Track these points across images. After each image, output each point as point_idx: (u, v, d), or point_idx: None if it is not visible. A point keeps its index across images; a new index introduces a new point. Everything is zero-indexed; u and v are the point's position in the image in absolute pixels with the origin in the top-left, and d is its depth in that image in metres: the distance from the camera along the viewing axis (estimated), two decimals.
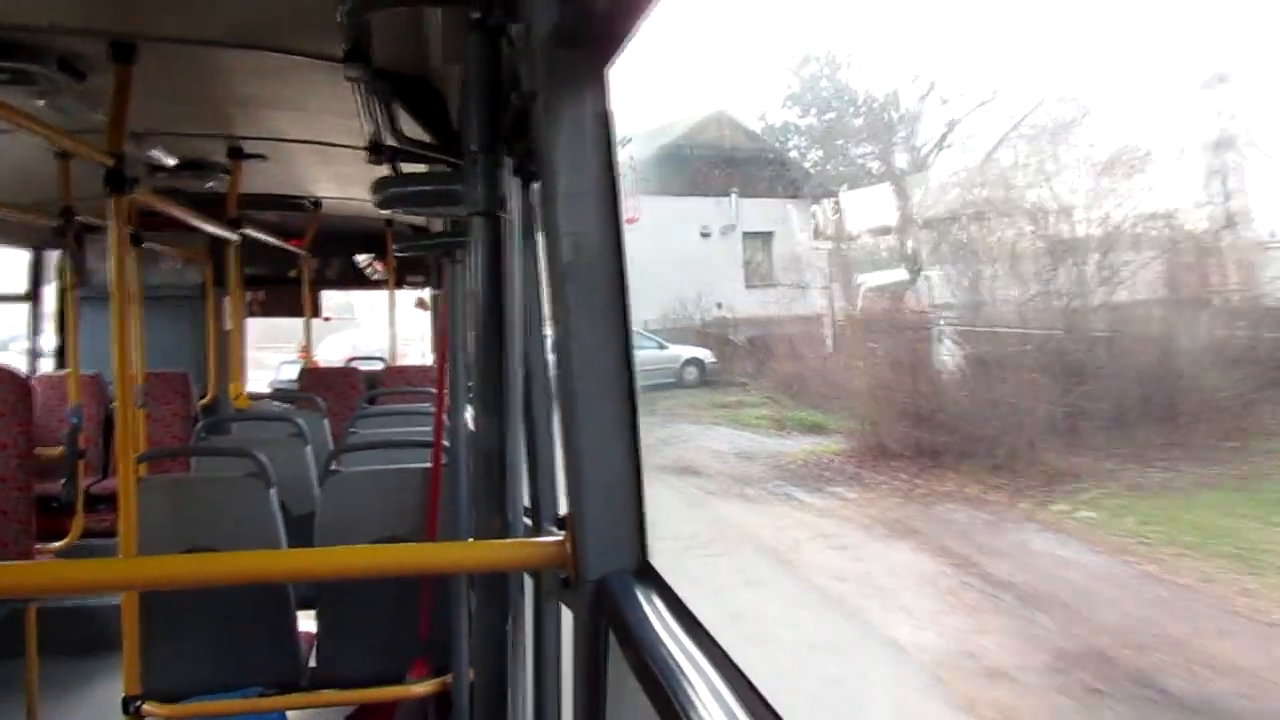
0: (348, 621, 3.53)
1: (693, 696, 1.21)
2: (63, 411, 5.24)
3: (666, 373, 18.17)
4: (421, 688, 3.45)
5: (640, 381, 1.63)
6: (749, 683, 1.23)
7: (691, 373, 18.90)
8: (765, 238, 22.70)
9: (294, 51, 2.81)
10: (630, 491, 1.64)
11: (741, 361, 18.79)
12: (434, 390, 5.28)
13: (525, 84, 1.61)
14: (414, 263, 7.47)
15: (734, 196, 22.28)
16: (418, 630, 3.60)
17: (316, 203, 5.97)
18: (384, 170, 3.16)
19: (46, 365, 6.74)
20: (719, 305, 20.82)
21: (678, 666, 1.29)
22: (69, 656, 4.66)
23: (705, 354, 19.28)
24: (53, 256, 6.56)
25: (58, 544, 4.51)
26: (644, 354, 16.45)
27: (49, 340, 6.82)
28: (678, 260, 19.95)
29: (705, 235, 22.11)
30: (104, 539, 4.86)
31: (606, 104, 1.56)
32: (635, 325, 1.60)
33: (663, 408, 16.45)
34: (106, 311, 3.33)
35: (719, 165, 22.50)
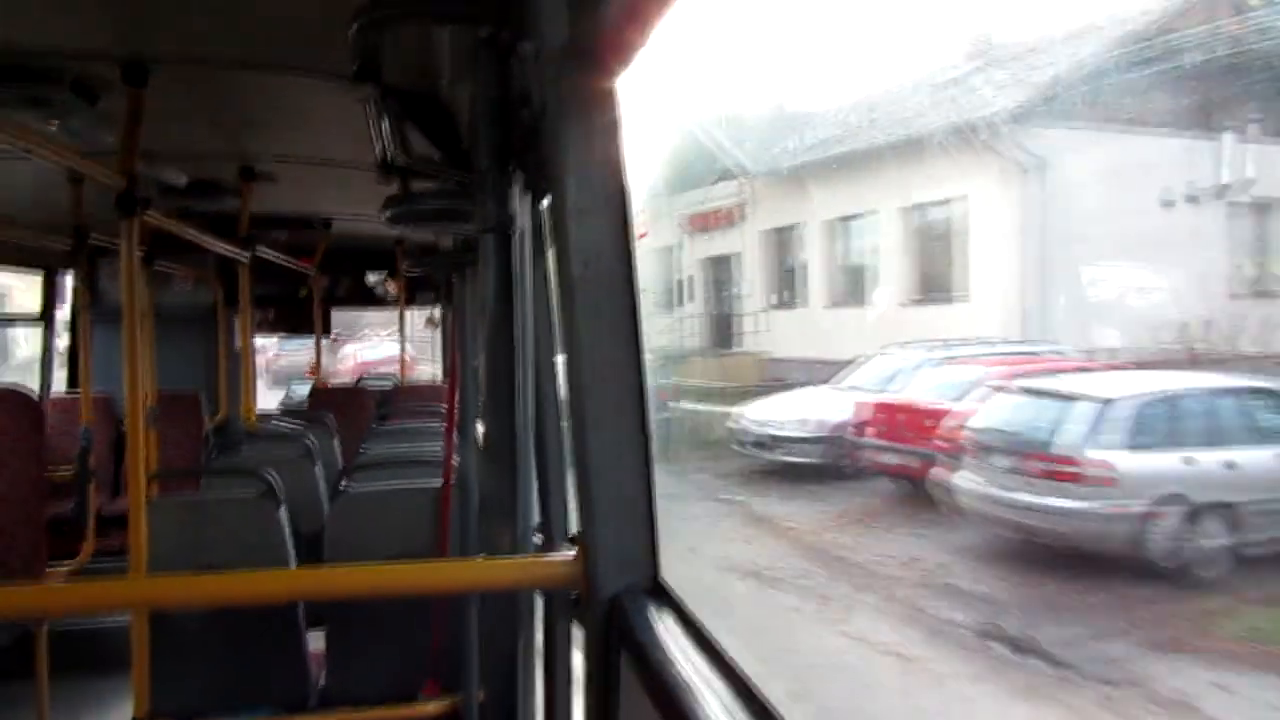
0: (357, 640, 3.52)
1: (706, 716, 1.20)
2: (74, 432, 5.26)
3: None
4: (432, 707, 3.44)
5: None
6: (763, 703, 1.22)
7: None
8: None
9: (304, 71, 2.83)
10: (642, 509, 1.62)
11: None
12: (443, 408, 5.28)
13: (535, 100, 1.61)
14: (424, 281, 7.49)
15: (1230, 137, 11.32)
16: (428, 649, 3.58)
17: (326, 222, 6.00)
18: (394, 189, 3.17)
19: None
20: None
21: (691, 685, 1.28)
22: (79, 677, 4.64)
23: None
24: (66, 278, 6.59)
25: (69, 565, 4.51)
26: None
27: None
28: (1124, 242, 10.94)
29: (1168, 204, 11.67)
30: (115, 559, 4.86)
31: (617, 118, 1.56)
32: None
33: None
34: (118, 332, 3.34)
35: (1205, 80, 10.81)
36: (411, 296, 7.78)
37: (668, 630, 1.45)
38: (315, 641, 3.55)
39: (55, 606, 1.97)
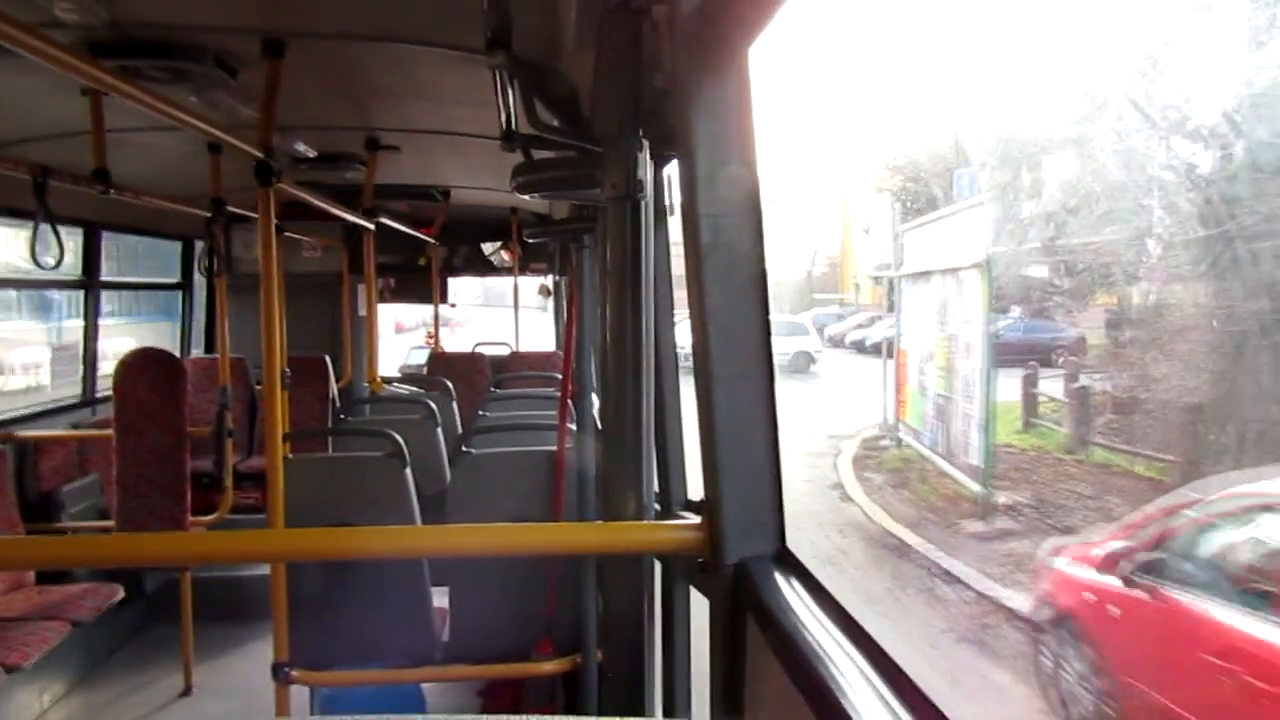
0: (478, 599, 3.62)
1: (840, 681, 1.20)
2: (211, 393, 5.54)
3: None
4: (550, 665, 3.52)
5: None
6: (899, 668, 1.21)
7: None
8: None
9: (434, 43, 2.89)
10: (769, 476, 1.62)
11: None
12: (557, 375, 5.36)
13: (666, 66, 1.61)
14: (537, 250, 7.60)
15: None
16: (543, 610, 3.66)
17: (445, 192, 6.14)
18: (515, 158, 3.22)
19: None
20: None
21: (823, 651, 1.28)
22: (220, 624, 4.93)
23: None
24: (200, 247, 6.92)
25: (209, 518, 4.77)
26: None
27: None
28: None
29: None
30: (250, 514, 5.12)
31: (748, 86, 1.55)
32: None
33: None
34: (249, 299, 3.49)
35: None
36: (524, 266, 7.91)
37: (797, 596, 1.45)
38: (439, 599, 3.68)
39: (199, 554, 2.09)
